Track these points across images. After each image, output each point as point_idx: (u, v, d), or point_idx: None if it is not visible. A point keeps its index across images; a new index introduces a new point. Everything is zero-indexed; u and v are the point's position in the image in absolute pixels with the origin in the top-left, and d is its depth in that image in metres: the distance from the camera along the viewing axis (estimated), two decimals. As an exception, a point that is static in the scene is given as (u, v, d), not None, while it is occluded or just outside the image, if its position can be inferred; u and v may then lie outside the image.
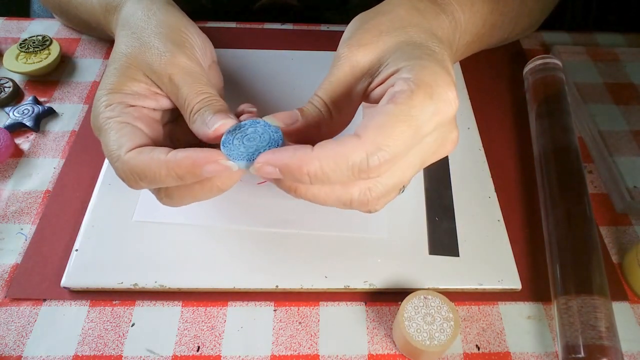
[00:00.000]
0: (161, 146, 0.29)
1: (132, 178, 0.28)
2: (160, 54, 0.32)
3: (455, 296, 0.35)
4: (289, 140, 0.29)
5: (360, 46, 0.30)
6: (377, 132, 0.25)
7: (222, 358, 0.33)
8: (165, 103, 0.33)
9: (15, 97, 0.47)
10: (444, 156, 0.30)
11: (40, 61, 0.48)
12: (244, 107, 0.32)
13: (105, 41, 0.54)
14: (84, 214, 0.38)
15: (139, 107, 0.32)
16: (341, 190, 0.27)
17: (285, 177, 0.26)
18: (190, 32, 0.34)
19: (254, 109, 0.32)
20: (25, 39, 0.50)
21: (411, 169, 0.28)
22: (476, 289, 0.36)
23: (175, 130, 0.35)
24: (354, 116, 0.31)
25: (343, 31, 0.32)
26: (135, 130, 0.30)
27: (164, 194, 0.30)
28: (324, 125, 0.29)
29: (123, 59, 0.32)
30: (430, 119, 0.26)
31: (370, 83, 0.29)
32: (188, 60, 0.32)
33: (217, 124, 0.28)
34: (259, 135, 0.28)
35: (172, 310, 0.35)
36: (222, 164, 0.27)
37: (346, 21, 0.33)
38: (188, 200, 0.30)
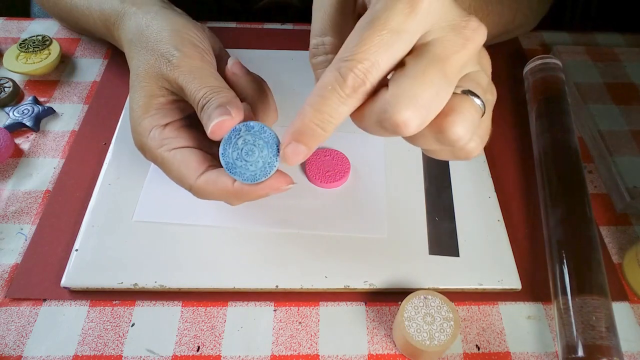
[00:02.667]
0: (204, 143, 0.33)
1: (201, 197, 0.32)
2: (167, 61, 0.32)
3: (455, 296, 0.35)
4: None
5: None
6: (347, 43, 0.23)
7: (222, 358, 0.33)
8: (187, 107, 0.34)
9: (15, 97, 0.47)
10: (473, 51, 0.25)
11: (40, 61, 0.48)
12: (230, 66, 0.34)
13: (106, 41, 0.54)
14: (84, 214, 0.38)
15: (171, 123, 0.33)
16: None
17: (309, 137, 0.24)
18: (188, 29, 0.34)
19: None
20: (25, 39, 0.50)
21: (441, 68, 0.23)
22: (476, 289, 0.36)
23: None
24: None
25: None
26: (184, 154, 0.32)
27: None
28: None
29: (140, 78, 0.33)
30: (404, 18, 0.22)
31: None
32: (189, 59, 0.32)
33: (213, 122, 0.29)
34: (259, 150, 0.29)
35: (172, 310, 0.35)
36: (284, 189, 0.30)
37: None
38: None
